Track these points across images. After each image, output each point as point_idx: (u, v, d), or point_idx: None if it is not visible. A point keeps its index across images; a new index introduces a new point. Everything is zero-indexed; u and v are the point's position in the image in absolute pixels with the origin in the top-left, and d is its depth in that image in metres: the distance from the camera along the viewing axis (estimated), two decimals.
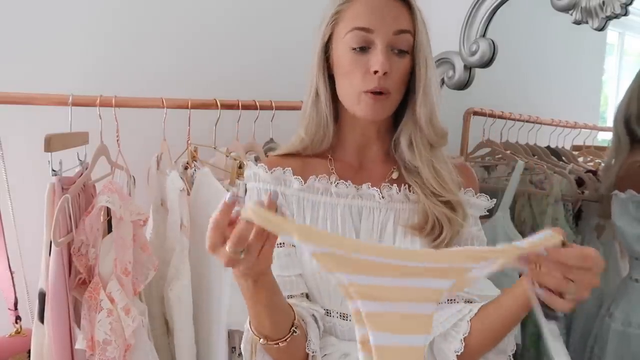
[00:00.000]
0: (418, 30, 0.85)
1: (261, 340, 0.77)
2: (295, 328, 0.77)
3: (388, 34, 0.83)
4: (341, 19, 0.86)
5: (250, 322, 0.78)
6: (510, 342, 0.85)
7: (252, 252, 0.63)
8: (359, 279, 0.56)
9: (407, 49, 0.85)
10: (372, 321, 0.57)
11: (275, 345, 0.76)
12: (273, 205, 0.61)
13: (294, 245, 0.89)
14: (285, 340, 0.76)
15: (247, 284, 0.70)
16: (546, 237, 0.63)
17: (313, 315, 0.85)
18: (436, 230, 0.86)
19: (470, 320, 0.83)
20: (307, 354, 0.82)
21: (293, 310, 0.79)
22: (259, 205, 0.57)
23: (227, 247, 0.62)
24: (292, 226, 0.57)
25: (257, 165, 0.93)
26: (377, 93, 0.84)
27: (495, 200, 0.95)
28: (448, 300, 0.88)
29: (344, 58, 0.85)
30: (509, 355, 0.87)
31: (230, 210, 0.62)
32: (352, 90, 0.86)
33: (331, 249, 0.55)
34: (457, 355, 0.82)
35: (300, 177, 0.90)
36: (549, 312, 0.69)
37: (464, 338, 0.82)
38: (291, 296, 0.86)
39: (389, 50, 0.84)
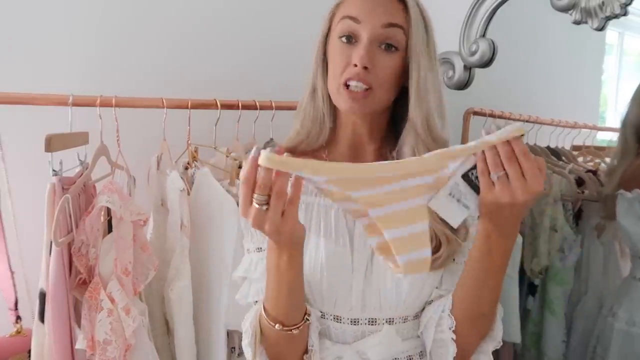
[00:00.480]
0: (413, 27, 0.83)
1: (276, 326, 0.78)
2: (308, 316, 0.80)
3: (375, 26, 0.82)
4: (338, 11, 0.87)
5: (264, 309, 0.80)
6: (499, 329, 0.86)
7: (275, 207, 0.67)
8: (365, 193, 0.69)
9: (397, 44, 0.83)
10: (383, 222, 0.70)
11: (288, 332, 0.78)
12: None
13: None
14: (299, 327, 0.79)
15: (281, 259, 0.74)
16: (512, 130, 0.69)
17: None
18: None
19: (452, 295, 0.84)
20: (306, 349, 0.83)
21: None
22: (272, 152, 0.66)
23: (254, 198, 0.67)
24: (302, 162, 0.67)
25: None
26: (354, 91, 0.82)
27: None
28: (428, 302, 0.88)
29: (333, 48, 0.86)
30: (498, 341, 0.86)
31: (256, 165, 0.66)
32: (334, 82, 0.85)
33: (338, 176, 0.68)
34: (452, 331, 0.83)
35: None
36: (475, 182, 0.71)
37: (450, 312, 0.83)
38: None
39: (375, 44, 0.83)
